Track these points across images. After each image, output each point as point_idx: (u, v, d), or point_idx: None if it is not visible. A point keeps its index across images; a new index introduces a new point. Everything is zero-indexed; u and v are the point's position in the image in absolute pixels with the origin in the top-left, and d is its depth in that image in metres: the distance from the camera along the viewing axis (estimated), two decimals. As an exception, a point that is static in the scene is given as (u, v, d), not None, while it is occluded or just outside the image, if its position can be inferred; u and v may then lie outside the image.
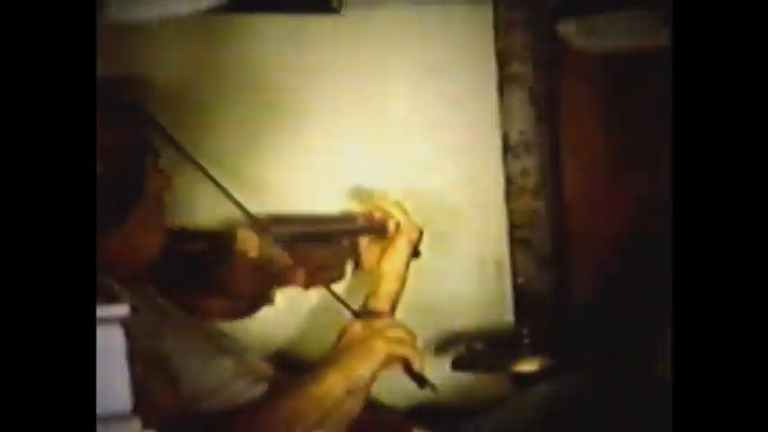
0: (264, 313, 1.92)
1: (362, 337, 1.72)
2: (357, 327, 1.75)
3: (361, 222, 2.00)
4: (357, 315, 1.81)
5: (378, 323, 1.77)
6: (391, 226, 1.97)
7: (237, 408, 1.67)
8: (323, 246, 1.94)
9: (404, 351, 1.72)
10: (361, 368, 1.69)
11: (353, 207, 2.03)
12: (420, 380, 1.74)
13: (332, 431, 1.71)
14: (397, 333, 1.73)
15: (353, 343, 1.73)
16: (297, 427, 1.64)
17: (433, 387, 1.75)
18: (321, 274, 1.83)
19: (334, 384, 1.67)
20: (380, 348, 1.71)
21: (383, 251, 1.97)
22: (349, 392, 1.68)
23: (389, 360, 1.72)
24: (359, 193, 2.04)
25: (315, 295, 1.93)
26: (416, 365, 1.73)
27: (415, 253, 2.01)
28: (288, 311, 2.00)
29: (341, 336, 1.76)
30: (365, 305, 1.95)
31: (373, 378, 1.76)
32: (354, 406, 1.75)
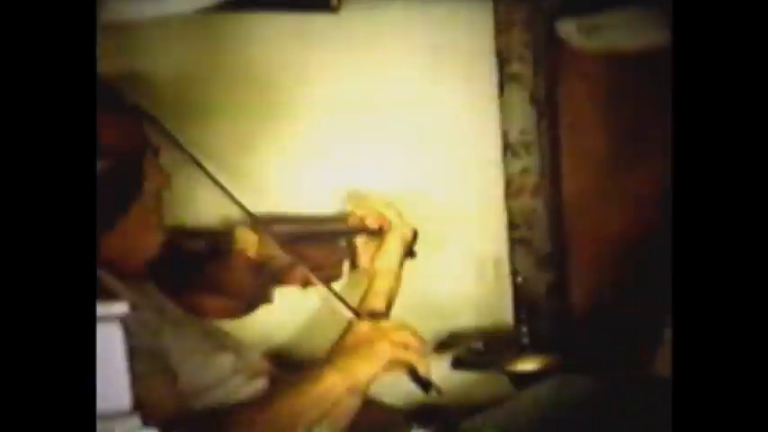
0: (263, 312, 1.92)
1: (367, 339, 1.69)
2: (363, 327, 1.72)
3: (356, 222, 2.00)
4: (356, 313, 1.80)
5: (385, 325, 1.74)
6: (383, 225, 1.97)
7: (236, 404, 1.66)
8: (320, 245, 1.94)
9: (408, 356, 1.68)
10: (362, 370, 1.67)
11: (348, 207, 2.03)
12: (425, 384, 1.71)
13: (331, 430, 1.71)
14: (404, 337, 1.69)
15: (357, 344, 1.69)
16: (295, 425, 1.63)
17: (438, 391, 1.72)
18: (318, 274, 1.82)
19: (334, 384, 1.65)
20: (384, 351, 1.67)
21: (377, 250, 1.97)
22: (349, 392, 1.67)
23: (393, 364, 1.69)
24: (354, 194, 2.04)
25: (313, 294, 1.92)
26: (422, 370, 1.69)
27: (410, 253, 2.01)
28: (287, 310, 1.99)
29: (345, 334, 1.74)
30: (361, 304, 1.95)
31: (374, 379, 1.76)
32: (353, 404, 1.75)
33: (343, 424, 1.74)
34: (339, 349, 1.72)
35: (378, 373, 1.69)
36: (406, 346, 1.69)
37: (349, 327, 1.75)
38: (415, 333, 1.71)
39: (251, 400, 1.68)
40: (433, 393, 1.72)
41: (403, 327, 1.73)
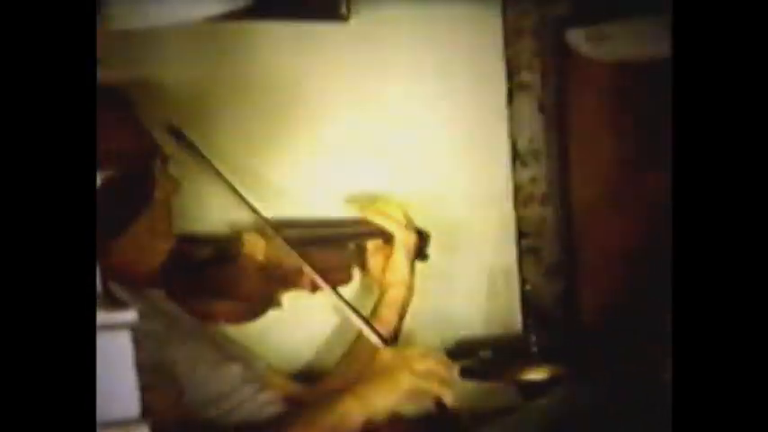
0: (274, 321, 1.93)
1: (388, 367, 1.63)
2: (386, 355, 1.67)
3: (365, 226, 1.99)
4: (364, 318, 1.79)
5: (408, 352, 1.67)
6: (389, 232, 1.96)
7: (251, 427, 1.65)
8: (329, 249, 1.93)
9: (431, 386, 1.63)
10: (381, 400, 1.61)
11: (358, 212, 2.02)
12: (451, 416, 1.66)
13: None
14: (427, 365, 1.63)
15: (378, 372, 1.64)
16: None
17: (466, 421, 1.70)
18: (328, 278, 1.81)
19: (350, 412, 1.60)
20: (404, 383, 1.61)
21: (386, 260, 1.96)
22: (367, 422, 1.62)
23: (415, 393, 1.63)
24: (365, 198, 2.04)
25: (325, 303, 1.92)
26: (448, 401, 1.64)
27: (423, 256, 2.01)
28: (298, 320, 1.99)
29: (367, 361, 1.70)
30: (374, 312, 1.95)
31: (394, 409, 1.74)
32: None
33: None
34: (359, 377, 1.67)
35: (398, 404, 1.64)
36: (429, 376, 1.63)
37: (374, 354, 1.70)
38: (440, 361, 1.66)
39: (264, 425, 1.66)
40: (462, 424, 1.69)
41: (428, 354, 1.67)
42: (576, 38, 2.18)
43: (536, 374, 1.99)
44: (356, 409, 1.61)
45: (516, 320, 2.24)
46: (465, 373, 2.05)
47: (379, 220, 1.95)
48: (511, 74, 2.21)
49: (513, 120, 2.22)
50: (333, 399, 1.63)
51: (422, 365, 1.63)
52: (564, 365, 1.99)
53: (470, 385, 2.07)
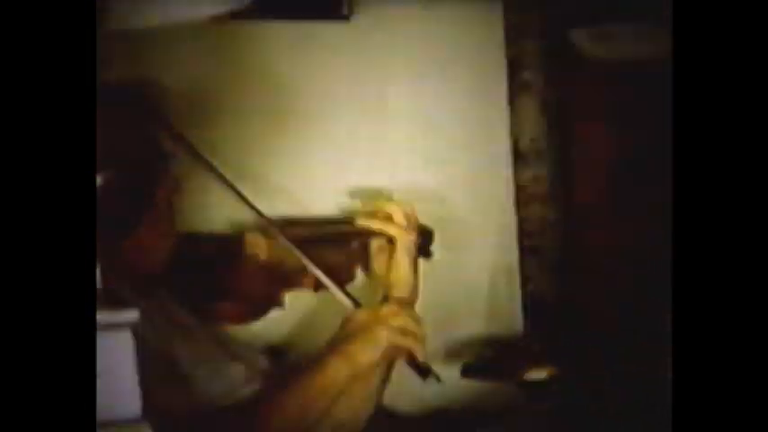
0: (272, 315, 1.93)
1: (366, 325, 1.69)
2: (361, 314, 1.72)
3: (368, 225, 1.98)
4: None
5: (383, 310, 1.73)
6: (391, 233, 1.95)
7: (243, 404, 1.66)
8: (332, 248, 1.93)
9: (405, 341, 1.68)
10: (362, 355, 1.66)
11: (358, 212, 2.02)
12: (423, 371, 1.71)
13: (340, 423, 1.70)
14: (402, 321, 1.69)
15: (356, 330, 1.69)
16: (305, 417, 1.63)
17: (437, 378, 1.72)
18: (330, 276, 1.81)
19: (337, 371, 1.65)
20: (382, 337, 1.67)
21: (390, 259, 1.95)
22: (354, 378, 1.66)
23: (392, 350, 1.69)
24: (365, 198, 2.04)
25: (323, 298, 1.92)
26: (419, 356, 1.69)
27: (426, 253, 2.00)
28: (292, 310, 1.99)
29: (344, 323, 1.73)
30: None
31: (384, 379, 1.76)
32: (363, 405, 1.74)
33: (355, 424, 1.74)
34: (338, 337, 1.71)
35: (378, 359, 1.69)
36: (404, 332, 1.68)
37: (349, 315, 1.73)
38: (413, 318, 1.71)
39: (259, 398, 1.68)
40: (432, 380, 1.72)
41: (401, 312, 1.72)
42: (578, 37, 2.18)
43: (537, 374, 1.99)
44: (342, 366, 1.66)
45: (517, 320, 2.24)
46: (466, 372, 2.05)
47: (377, 225, 1.94)
48: (512, 73, 2.21)
49: (514, 119, 2.22)
50: (318, 362, 1.66)
51: (396, 322, 1.69)
52: (564, 365, 1.99)
53: (471, 384, 2.07)
